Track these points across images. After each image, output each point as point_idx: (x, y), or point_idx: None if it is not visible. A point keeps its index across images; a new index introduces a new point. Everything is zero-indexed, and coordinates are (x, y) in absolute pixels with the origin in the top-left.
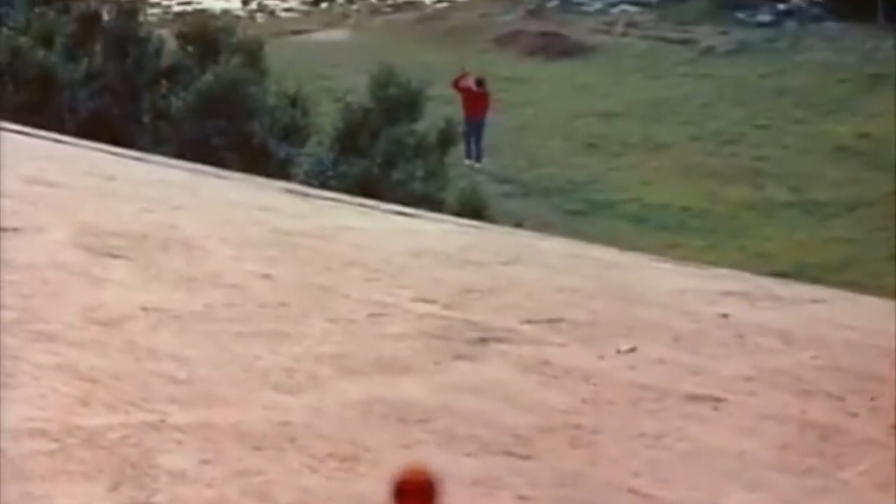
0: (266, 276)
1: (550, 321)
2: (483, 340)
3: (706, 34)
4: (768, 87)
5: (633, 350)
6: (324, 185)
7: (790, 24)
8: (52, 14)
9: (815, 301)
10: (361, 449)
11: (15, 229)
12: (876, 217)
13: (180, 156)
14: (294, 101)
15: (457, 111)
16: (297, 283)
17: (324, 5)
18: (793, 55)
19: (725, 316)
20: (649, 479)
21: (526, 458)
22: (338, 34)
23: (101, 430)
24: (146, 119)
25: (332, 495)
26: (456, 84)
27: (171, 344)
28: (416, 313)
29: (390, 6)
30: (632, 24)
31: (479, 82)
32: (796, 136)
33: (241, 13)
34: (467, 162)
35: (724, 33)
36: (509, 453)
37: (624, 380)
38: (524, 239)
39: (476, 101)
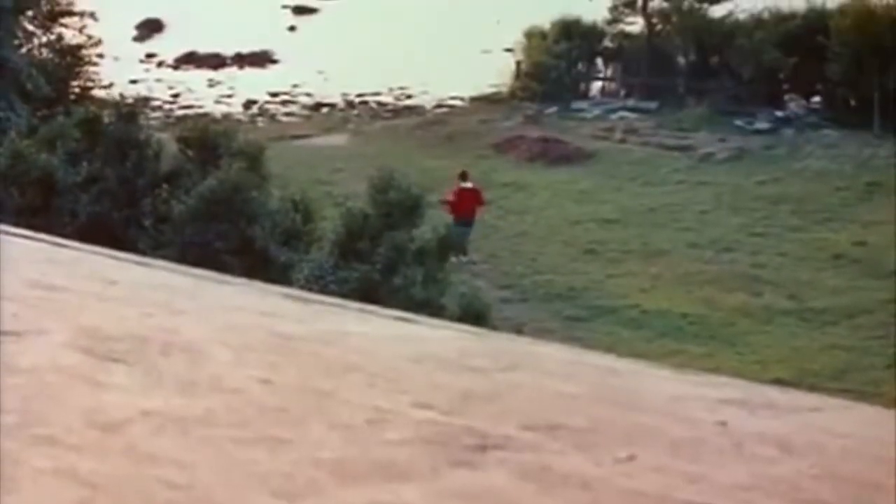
0: (266, 381)
1: (550, 428)
2: (482, 447)
3: (704, 141)
4: (766, 194)
5: (632, 458)
6: (324, 290)
7: (788, 132)
8: (54, 118)
9: (813, 409)
10: None
11: (16, 333)
12: (874, 325)
13: (182, 260)
14: (295, 206)
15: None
16: (297, 388)
17: (324, 110)
18: (790, 163)
19: (724, 424)
20: None
21: None
22: (338, 139)
23: None
24: (147, 223)
25: None
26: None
27: (172, 448)
28: (415, 419)
29: (390, 111)
30: (630, 131)
31: (463, 176)
32: (794, 243)
33: (242, 117)
34: (455, 259)
35: (722, 140)
36: None
37: (622, 487)
38: (524, 345)
39: (464, 198)
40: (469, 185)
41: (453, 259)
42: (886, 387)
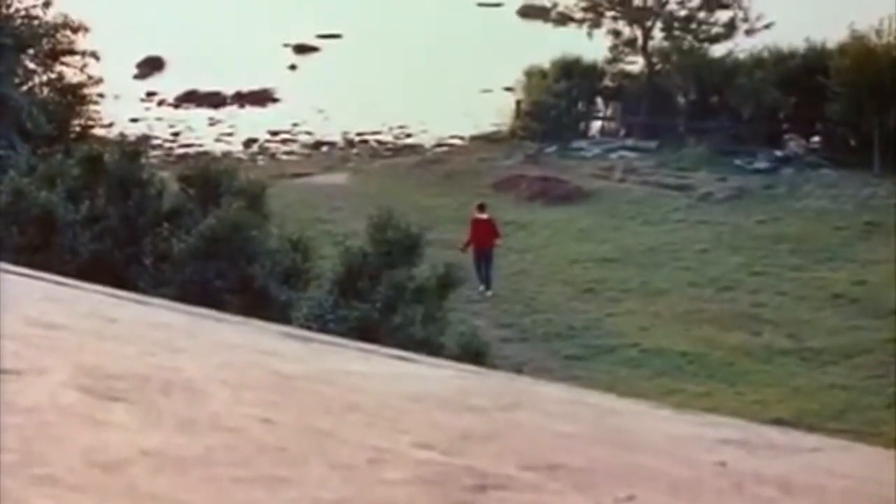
0: (265, 420)
1: (549, 468)
2: (482, 487)
3: (704, 180)
4: (765, 233)
5: (631, 499)
6: (323, 329)
7: (787, 171)
8: (54, 156)
9: (813, 450)
10: None
11: (17, 371)
12: (873, 364)
13: (182, 298)
14: (295, 245)
15: (454, 256)
16: (296, 428)
17: (324, 149)
18: (790, 202)
19: (723, 464)
20: None
21: None
22: (338, 178)
23: None
24: (147, 261)
25: None
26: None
27: (172, 488)
28: (414, 459)
29: (390, 150)
30: (630, 170)
31: (481, 207)
32: (793, 282)
33: (242, 156)
34: (480, 289)
35: (721, 179)
36: None
37: None
38: (523, 384)
39: (480, 229)
40: (485, 216)
41: (480, 289)
42: (886, 427)
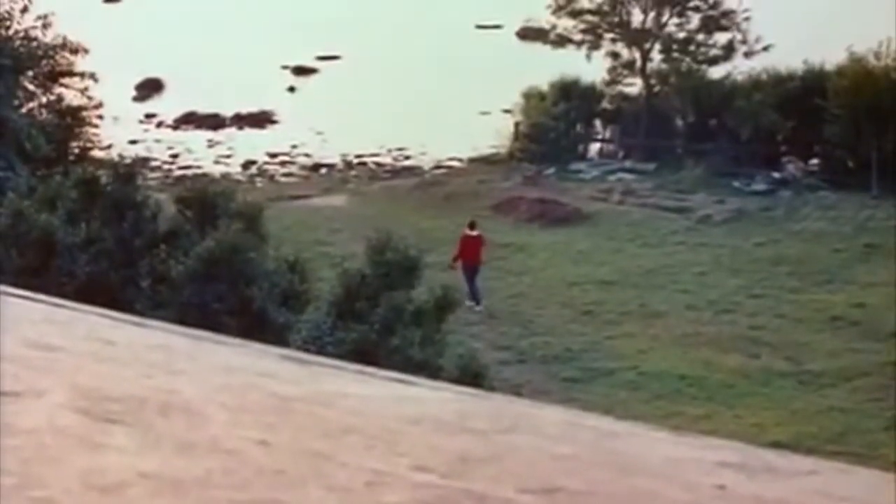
0: (263, 443)
1: (548, 490)
2: None
3: (702, 202)
4: (764, 255)
5: None
6: (321, 351)
7: (786, 194)
8: (52, 178)
9: (811, 473)
10: None
11: (15, 393)
12: (872, 387)
13: (180, 320)
14: (293, 267)
15: (453, 277)
16: (295, 450)
17: (323, 171)
18: (788, 224)
19: (722, 487)
20: None
21: None
22: (337, 199)
23: None
24: (144, 283)
25: None
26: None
27: None
28: (413, 482)
29: (389, 172)
30: (628, 192)
31: (472, 225)
32: (792, 305)
33: (240, 177)
34: (468, 304)
35: (720, 202)
36: None
37: None
38: (521, 407)
39: (469, 245)
40: (475, 233)
41: (468, 304)
42: (885, 450)
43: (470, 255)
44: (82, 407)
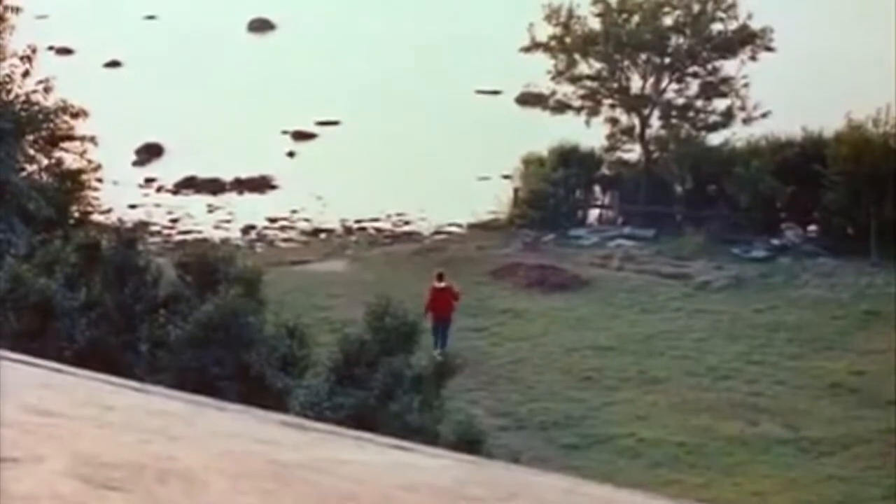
0: None
1: None
2: None
3: (701, 269)
4: (763, 322)
5: None
6: (320, 416)
7: (785, 260)
8: (52, 242)
9: None
10: None
11: (14, 459)
12: (871, 455)
13: (178, 385)
14: (292, 332)
15: (453, 344)
16: None
17: (323, 236)
18: (787, 291)
19: None
20: None
21: None
22: (336, 265)
23: None
24: (143, 348)
25: None
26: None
27: None
28: None
29: (388, 237)
30: (628, 259)
31: (440, 277)
32: (791, 372)
33: (240, 242)
34: (435, 352)
35: (719, 268)
36: None
37: None
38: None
39: (438, 298)
40: (443, 284)
41: (433, 352)
42: None
43: (440, 307)
44: (81, 473)
